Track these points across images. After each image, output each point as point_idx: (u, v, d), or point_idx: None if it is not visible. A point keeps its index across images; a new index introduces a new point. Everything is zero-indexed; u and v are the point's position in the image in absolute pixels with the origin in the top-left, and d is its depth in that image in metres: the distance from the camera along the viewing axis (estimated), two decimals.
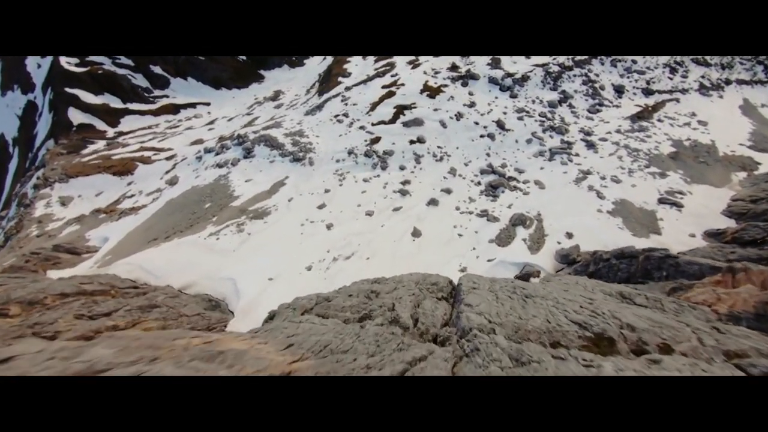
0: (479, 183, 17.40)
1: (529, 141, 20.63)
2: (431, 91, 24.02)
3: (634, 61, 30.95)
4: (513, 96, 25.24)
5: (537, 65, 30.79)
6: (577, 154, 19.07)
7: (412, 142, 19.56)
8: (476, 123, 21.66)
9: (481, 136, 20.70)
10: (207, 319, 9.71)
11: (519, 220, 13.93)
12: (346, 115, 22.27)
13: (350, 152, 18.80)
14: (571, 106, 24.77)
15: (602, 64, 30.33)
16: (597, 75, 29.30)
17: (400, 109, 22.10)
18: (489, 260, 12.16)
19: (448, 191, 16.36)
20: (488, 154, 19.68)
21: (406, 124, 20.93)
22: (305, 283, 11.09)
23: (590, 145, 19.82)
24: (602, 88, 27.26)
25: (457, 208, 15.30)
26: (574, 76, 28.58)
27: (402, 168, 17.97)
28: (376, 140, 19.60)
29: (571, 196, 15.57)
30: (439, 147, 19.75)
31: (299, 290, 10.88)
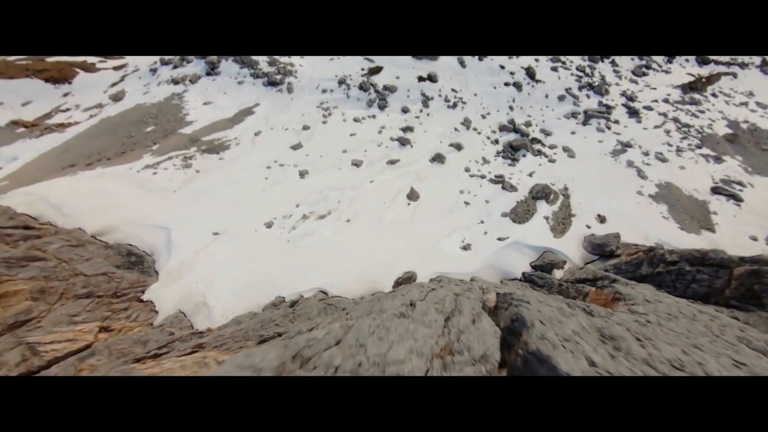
0: (496, 141, 14.52)
1: (561, 98, 17.40)
2: None
3: None
4: None
5: None
6: (616, 121, 16.16)
7: (421, 79, 16.02)
8: (502, 67, 18.02)
9: (506, 84, 17.28)
10: (115, 282, 7.26)
11: (542, 193, 11.45)
12: None
13: (341, 82, 15.22)
14: (614, 63, 21.12)
15: None
16: None
17: None
18: (500, 239, 9.88)
19: (458, 147, 13.49)
20: (511, 108, 16.50)
21: (416, 55, 17.10)
22: (261, 245, 8.61)
23: (633, 113, 16.84)
24: None
25: (467, 170, 12.61)
26: None
27: (405, 110, 14.73)
28: (376, 70, 15.93)
29: (607, 172, 13.04)
30: (453, 90, 16.35)
31: (251, 254, 8.42)
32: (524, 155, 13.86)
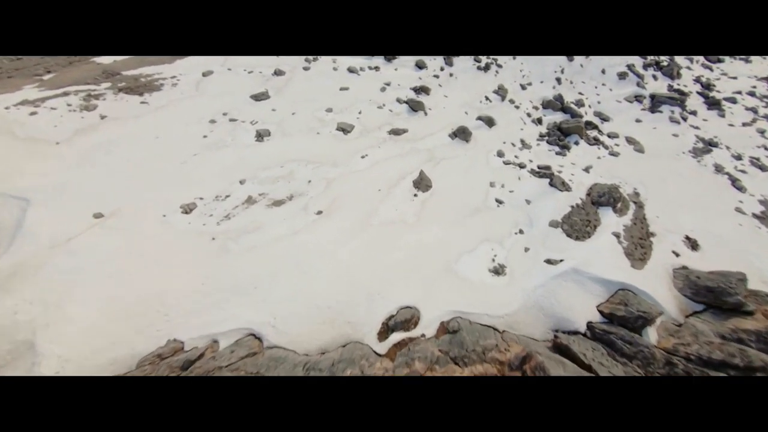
0: (539, 121, 11.18)
1: (622, 76, 13.96)
2: None
3: None
4: None
5: None
6: (693, 112, 12.82)
7: None
8: None
9: None
10: None
11: (608, 197, 8.24)
12: None
13: None
14: None
15: None
16: None
17: None
18: (549, 262, 6.73)
19: (488, 122, 10.12)
20: (558, 80, 13.06)
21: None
22: (165, 243, 5.37)
23: (713, 104, 13.48)
24: None
25: (500, 154, 9.32)
26: None
27: (420, 66, 11.24)
28: None
29: (689, 176, 9.83)
30: None
31: (144, 257, 5.17)
32: (576, 143, 10.56)
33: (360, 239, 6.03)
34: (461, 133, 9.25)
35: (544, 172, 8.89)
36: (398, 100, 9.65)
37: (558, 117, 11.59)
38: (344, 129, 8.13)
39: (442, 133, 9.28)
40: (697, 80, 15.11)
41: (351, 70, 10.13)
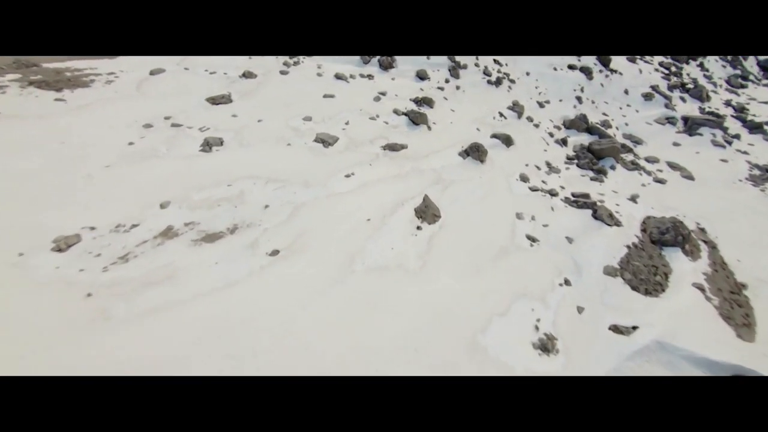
0: (564, 142, 9.57)
1: (647, 97, 12.70)
2: None
3: None
4: None
5: None
6: (737, 136, 11.38)
7: None
8: None
9: (571, 68, 12.57)
10: None
11: (672, 235, 6.33)
12: None
13: None
14: (703, 67, 16.74)
15: None
16: None
17: None
18: (616, 329, 4.65)
19: (506, 140, 8.43)
20: (579, 99, 11.70)
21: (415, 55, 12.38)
22: (3, 300, 3.21)
23: (754, 128, 12.11)
24: (744, 57, 19.25)
25: (524, 178, 7.51)
26: None
27: (422, 76, 9.77)
28: None
29: (760, 209, 8.04)
30: (496, 62, 11.55)
31: None
32: (613, 167, 8.86)
33: (336, 295, 3.95)
34: (474, 152, 7.49)
35: (583, 202, 7.03)
36: (396, 112, 7.99)
37: (584, 138, 10.01)
38: (325, 141, 6.31)
39: (451, 151, 7.51)
40: (728, 104, 13.94)
41: (339, 77, 8.56)
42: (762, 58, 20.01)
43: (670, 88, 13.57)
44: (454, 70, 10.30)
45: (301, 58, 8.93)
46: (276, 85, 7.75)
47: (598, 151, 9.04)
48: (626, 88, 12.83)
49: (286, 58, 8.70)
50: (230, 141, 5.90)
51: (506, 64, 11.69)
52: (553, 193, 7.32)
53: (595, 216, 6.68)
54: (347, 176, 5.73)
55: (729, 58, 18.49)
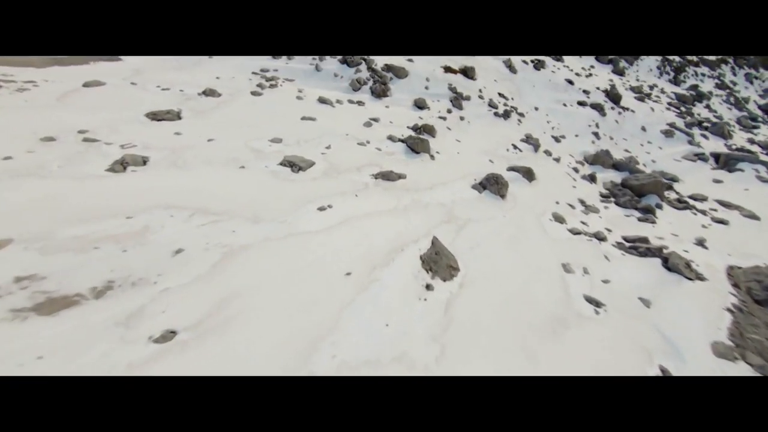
0: (592, 178, 8.14)
1: (668, 134, 11.74)
2: None
3: None
4: (618, 72, 16.81)
5: None
6: None
7: (449, 70, 10.36)
8: (569, 82, 12.77)
9: (581, 104, 11.74)
10: None
11: None
12: None
13: None
14: (710, 109, 16.31)
15: (734, 74, 22.62)
16: (734, 84, 21.46)
17: None
18: None
19: (528, 174, 6.95)
20: (596, 135, 10.61)
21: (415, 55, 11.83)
22: None
23: None
24: (746, 101, 19.16)
25: (559, 219, 5.87)
26: (703, 75, 20.61)
27: (420, 105, 8.62)
28: None
29: None
30: (502, 96, 10.62)
31: None
32: (659, 206, 7.29)
33: None
34: (492, 184, 5.91)
35: (645, 248, 5.30)
36: (391, 138, 6.57)
37: (612, 175, 8.64)
38: (294, 164, 4.71)
39: (462, 183, 5.93)
40: (751, 141, 13.03)
41: (323, 101, 7.30)
42: (763, 102, 19.98)
43: (688, 125, 12.73)
44: (457, 101, 9.23)
45: (279, 81, 7.77)
46: (243, 105, 6.39)
47: (637, 187, 7.56)
48: (643, 125, 11.91)
49: (261, 79, 7.51)
50: (159, 161, 4.25)
51: (512, 98, 10.78)
52: (600, 237, 5.61)
53: (668, 267, 4.90)
54: (321, 209, 4.00)
55: (732, 100, 18.33)
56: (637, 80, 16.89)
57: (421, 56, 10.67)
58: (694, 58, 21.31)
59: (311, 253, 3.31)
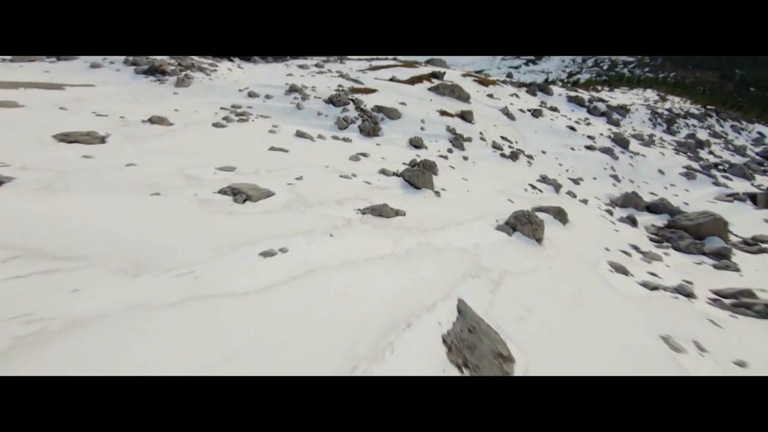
0: (633, 221, 6.74)
1: (689, 176, 10.79)
2: (482, 82, 15.42)
3: (762, 135, 23.89)
4: (613, 123, 16.68)
5: (635, 102, 23.66)
6: None
7: (445, 113, 9.61)
8: (572, 128, 12.20)
9: (588, 148, 10.93)
10: None
11: None
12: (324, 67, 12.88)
13: (295, 90, 8.61)
14: (714, 155, 15.89)
15: (721, 125, 23.09)
16: (725, 132, 21.70)
17: (431, 77, 12.99)
18: None
19: (559, 214, 5.52)
20: (615, 177, 9.54)
21: (437, 89, 11.42)
22: None
23: None
24: (743, 149, 19.04)
25: (620, 269, 4.25)
26: (693, 125, 20.85)
27: (416, 145, 7.56)
28: (367, 91, 9.69)
29: None
30: (505, 139, 9.74)
31: None
32: (728, 249, 5.76)
33: None
34: (525, 224, 4.42)
35: (762, 306, 3.62)
36: (384, 172, 5.24)
37: (649, 217, 7.30)
38: (239, 192, 3.21)
39: (482, 223, 4.42)
40: None
41: (302, 135, 6.12)
42: (760, 149, 19.90)
43: (705, 168, 11.89)
44: (457, 141, 8.21)
45: (252, 116, 6.68)
46: (197, 134, 5.12)
47: (693, 228, 6.12)
48: (659, 168, 10.99)
49: (227, 112, 6.40)
50: (25, 182, 2.71)
51: (516, 142, 9.90)
52: (685, 293, 3.96)
53: None
54: (267, 254, 2.38)
55: (731, 147, 18.11)
56: (634, 130, 16.72)
57: (414, 98, 10.02)
58: (681, 111, 21.83)
59: (221, 339, 1.60)
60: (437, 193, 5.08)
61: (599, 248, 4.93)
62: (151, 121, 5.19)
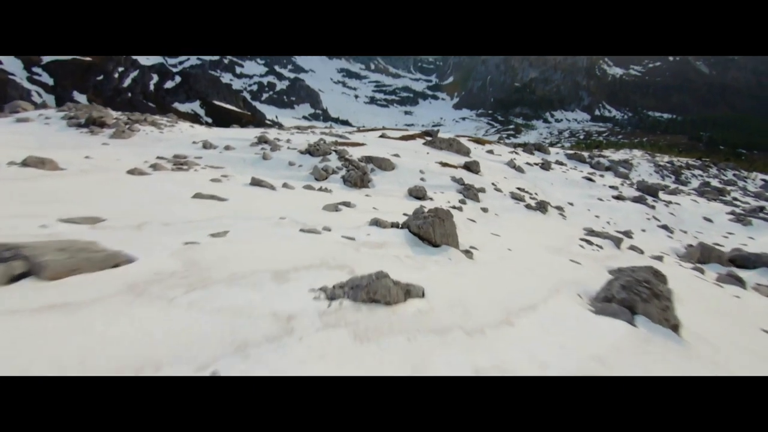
0: (739, 280, 4.70)
1: (742, 222, 9.19)
2: (477, 141, 14.68)
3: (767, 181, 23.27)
4: (621, 176, 15.69)
5: (634, 156, 23.20)
6: None
7: (446, 165, 8.17)
8: (588, 179, 10.86)
9: (617, 198, 9.40)
10: None
11: None
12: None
13: (262, 140, 7.14)
14: (738, 200, 14.58)
15: (724, 175, 22.52)
16: (734, 180, 20.90)
17: (424, 135, 12.02)
18: None
19: (657, 280, 3.41)
20: (667, 228, 7.78)
21: (433, 144, 10.24)
22: None
23: None
24: (761, 194, 17.97)
25: None
26: (700, 175, 20.10)
27: (418, 196, 5.82)
28: (354, 145, 8.35)
29: None
30: (522, 190, 8.16)
31: None
32: None
33: None
34: (647, 298, 2.42)
35: None
36: (378, 223, 3.36)
37: (748, 274, 5.33)
38: (20, 259, 1.17)
39: (564, 302, 2.40)
40: None
41: (258, 183, 4.35)
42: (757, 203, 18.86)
43: (750, 212, 10.30)
44: (469, 191, 6.56)
45: (198, 166, 4.99)
46: (92, 180, 3.29)
47: None
48: (704, 216, 9.35)
49: (162, 161, 4.71)
50: None
51: (536, 193, 8.33)
52: None
53: None
54: None
55: (749, 192, 16.98)
56: (645, 181, 15.66)
57: (409, 151, 8.70)
58: (682, 163, 21.35)
59: None
60: (467, 253, 3.12)
61: (754, 333, 2.84)
62: (25, 163, 3.41)
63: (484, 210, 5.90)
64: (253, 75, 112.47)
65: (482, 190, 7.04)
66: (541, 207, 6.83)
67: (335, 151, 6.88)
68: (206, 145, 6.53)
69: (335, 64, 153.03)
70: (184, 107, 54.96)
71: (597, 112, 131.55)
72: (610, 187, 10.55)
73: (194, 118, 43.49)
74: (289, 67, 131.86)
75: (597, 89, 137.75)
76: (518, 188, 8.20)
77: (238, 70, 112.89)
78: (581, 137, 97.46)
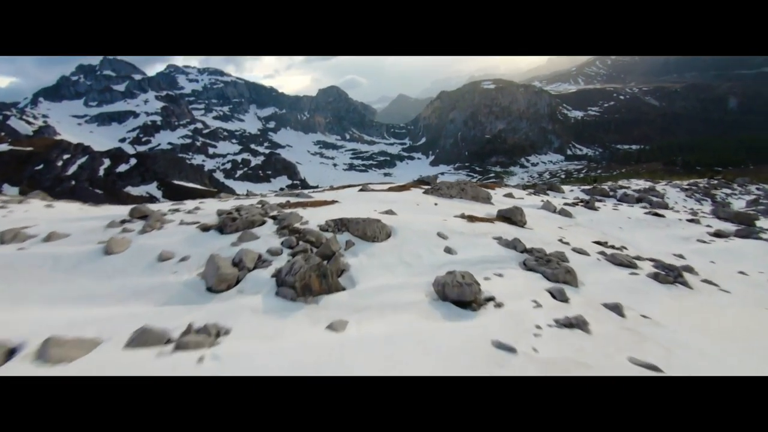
0: None
1: None
2: (484, 186, 11.97)
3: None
4: (662, 206, 13.03)
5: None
6: None
7: (472, 219, 5.00)
8: (655, 215, 7.93)
9: (716, 235, 6.34)
10: None
11: None
12: None
13: (134, 216, 3.84)
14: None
15: (747, 189, 20.44)
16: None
17: (420, 184, 9.10)
18: None
19: None
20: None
21: (438, 191, 7.21)
22: None
23: None
24: None
25: None
26: (730, 194, 17.76)
27: (460, 298, 2.37)
28: (318, 204, 5.17)
29: None
30: (601, 243, 4.99)
31: None
32: None
33: None
34: None
35: None
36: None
37: None
38: None
39: None
40: None
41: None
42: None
43: None
44: (549, 264, 3.31)
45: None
46: None
47: None
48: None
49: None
50: None
51: (623, 247, 5.22)
52: None
53: None
54: None
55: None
56: (690, 209, 12.99)
57: (408, 204, 5.64)
58: (707, 184, 19.20)
59: None
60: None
61: None
62: None
63: (615, 311, 2.61)
64: (227, 154, 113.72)
65: (560, 255, 3.83)
66: (677, 276, 3.64)
67: (273, 218, 3.67)
68: (17, 237, 3.21)
69: (311, 138, 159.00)
70: (137, 190, 52.20)
71: (569, 152, 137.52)
72: (688, 221, 7.61)
73: (148, 200, 40.62)
74: (265, 144, 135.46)
75: (563, 131, 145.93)
76: (595, 242, 5.07)
77: (210, 150, 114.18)
78: (563, 176, 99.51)
